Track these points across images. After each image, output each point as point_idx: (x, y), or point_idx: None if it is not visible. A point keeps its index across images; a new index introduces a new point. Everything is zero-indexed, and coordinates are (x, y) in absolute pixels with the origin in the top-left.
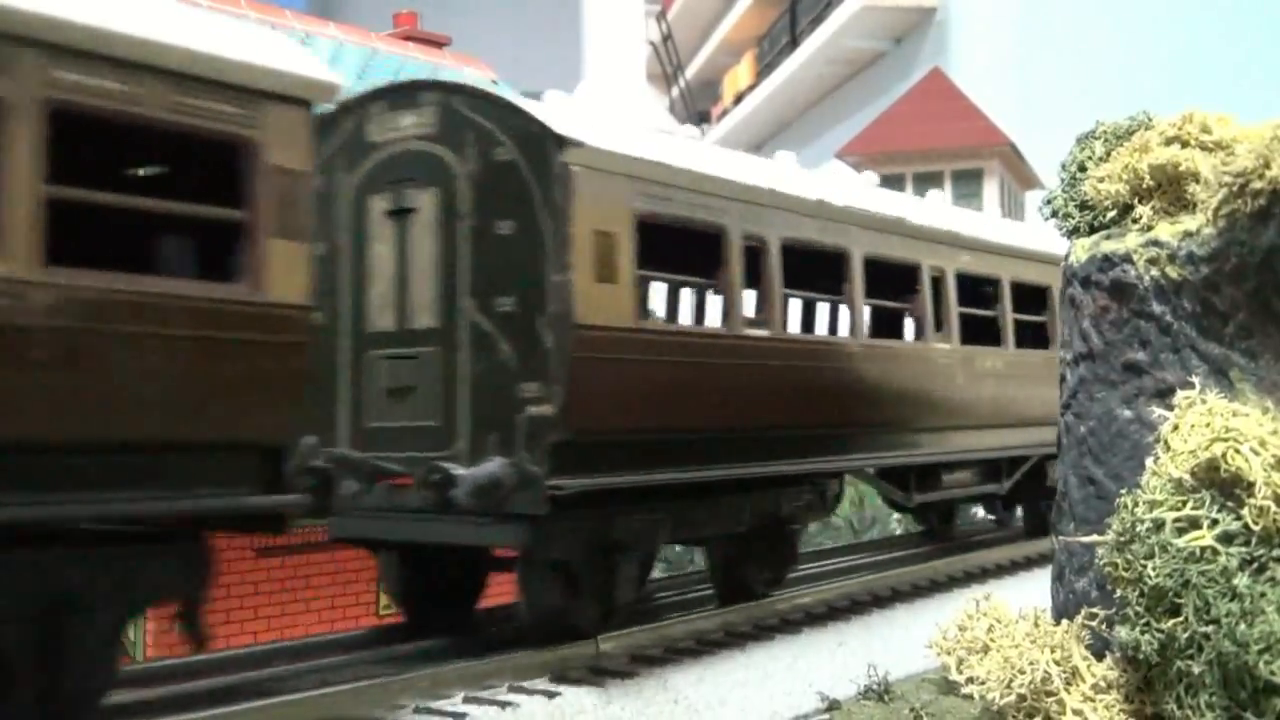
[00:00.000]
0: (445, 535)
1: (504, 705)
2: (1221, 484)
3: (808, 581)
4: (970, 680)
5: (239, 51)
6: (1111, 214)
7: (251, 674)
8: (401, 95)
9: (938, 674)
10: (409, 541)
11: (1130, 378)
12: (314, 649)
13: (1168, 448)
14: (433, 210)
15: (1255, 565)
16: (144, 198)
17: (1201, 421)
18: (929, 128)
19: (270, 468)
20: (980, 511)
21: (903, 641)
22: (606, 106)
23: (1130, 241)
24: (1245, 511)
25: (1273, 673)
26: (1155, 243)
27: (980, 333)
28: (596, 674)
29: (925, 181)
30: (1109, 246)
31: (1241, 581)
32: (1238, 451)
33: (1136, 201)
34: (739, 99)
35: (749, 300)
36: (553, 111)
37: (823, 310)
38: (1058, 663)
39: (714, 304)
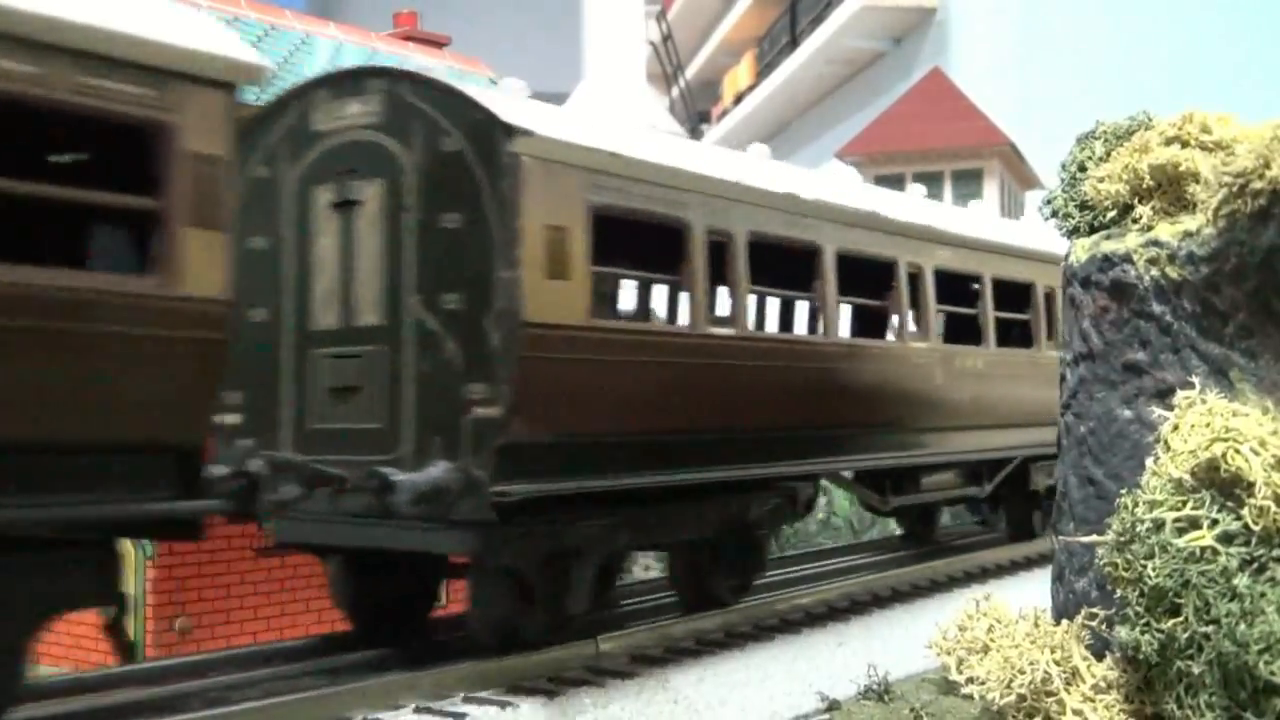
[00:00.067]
0: (389, 541)
1: (503, 705)
2: (1221, 484)
3: (808, 581)
4: (970, 680)
5: (152, 30)
6: (1111, 214)
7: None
8: (346, 82)
9: (938, 674)
10: (354, 547)
11: (1130, 378)
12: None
13: (1168, 448)
14: (378, 203)
15: (1255, 565)
16: (47, 185)
17: (1201, 421)
18: (929, 128)
19: (188, 471)
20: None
21: (903, 641)
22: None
23: (1130, 241)
24: (1245, 512)
25: (1273, 673)
26: (1155, 243)
27: (960, 331)
28: (596, 674)
29: (925, 182)
30: (1109, 246)
31: (1241, 582)
32: (1238, 451)
33: (1136, 201)
34: (739, 99)
35: (722, 297)
36: (502, 100)
37: (796, 308)
38: (1058, 663)
39: (685, 301)
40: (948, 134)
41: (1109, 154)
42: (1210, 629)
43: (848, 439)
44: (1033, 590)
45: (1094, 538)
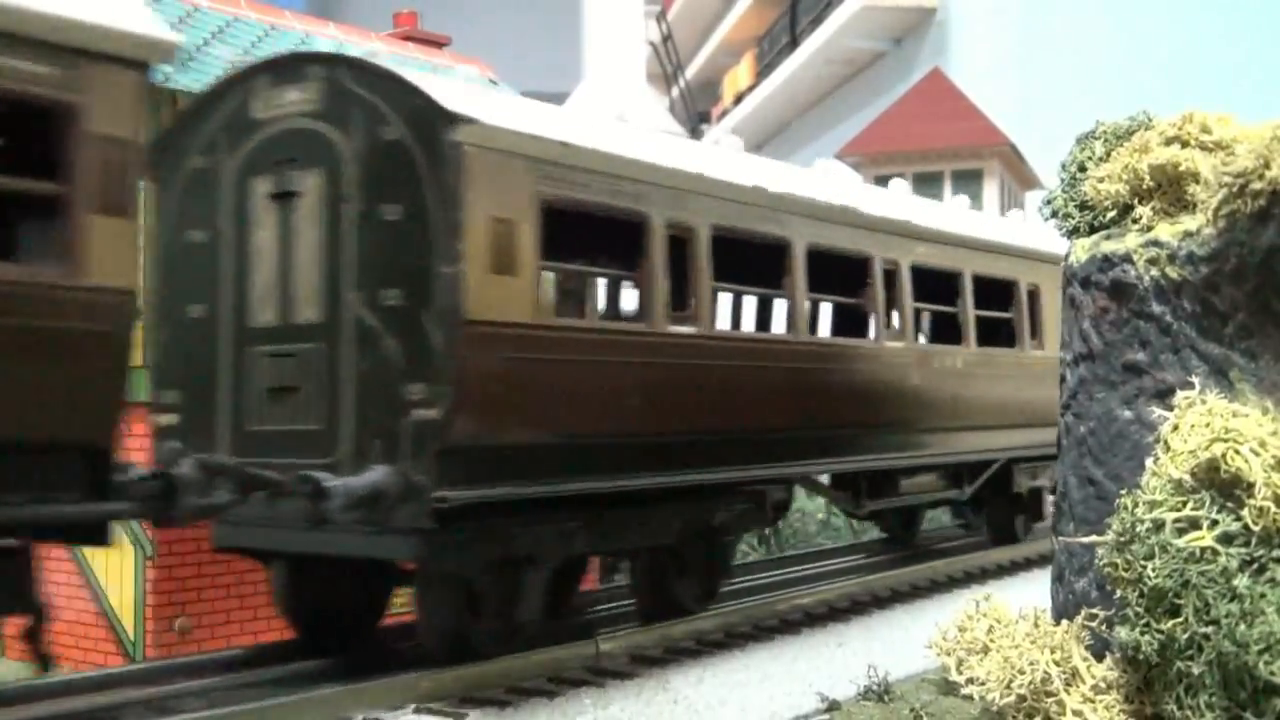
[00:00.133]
0: (329, 547)
1: (503, 706)
2: (1221, 484)
3: (808, 582)
4: (970, 681)
5: (57, 4)
6: (1111, 214)
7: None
8: (286, 68)
9: (937, 674)
10: (295, 552)
11: (1130, 378)
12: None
13: (1167, 448)
14: (317, 194)
15: (1255, 566)
16: None
17: (1201, 422)
18: (929, 128)
19: (96, 472)
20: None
21: (902, 642)
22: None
23: (1130, 242)
24: (1245, 512)
25: (1273, 673)
26: (1155, 243)
27: (940, 330)
28: (596, 674)
29: (925, 182)
30: (1109, 247)
31: (1241, 582)
32: (1238, 452)
33: (1136, 202)
34: (739, 99)
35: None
36: (446, 86)
37: (774, 306)
38: (1057, 663)
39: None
40: (948, 134)
41: (1109, 154)
42: (1210, 629)
43: (820, 441)
44: (1033, 590)
45: (1094, 538)
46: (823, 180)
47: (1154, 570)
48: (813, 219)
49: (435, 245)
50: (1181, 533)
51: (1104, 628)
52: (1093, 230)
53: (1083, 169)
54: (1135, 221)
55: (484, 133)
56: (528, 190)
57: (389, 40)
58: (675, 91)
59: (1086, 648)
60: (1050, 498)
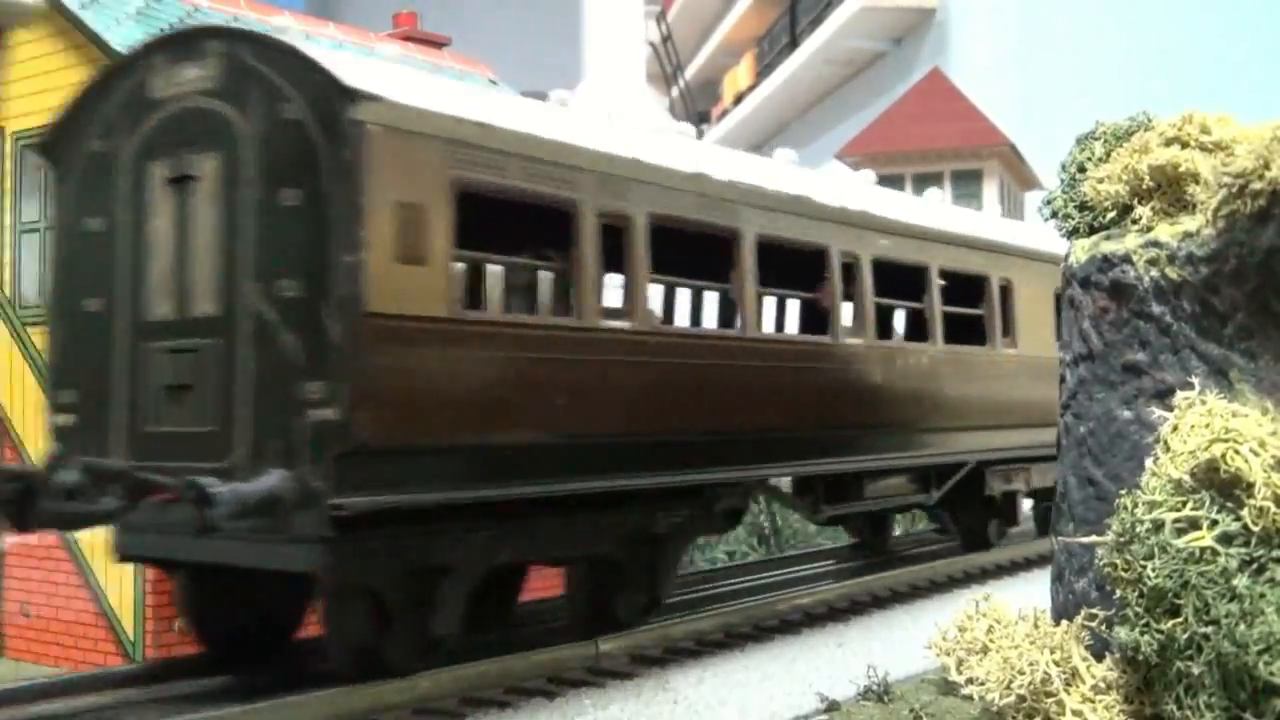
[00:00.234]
0: (228, 556)
1: (502, 706)
2: (1221, 485)
3: (807, 582)
4: (970, 681)
5: None
6: (1111, 215)
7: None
8: (184, 44)
9: (937, 675)
10: (194, 562)
11: (1130, 378)
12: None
13: (1167, 448)
14: (215, 178)
15: (1255, 566)
16: None
17: (1201, 422)
18: (928, 128)
19: None
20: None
21: (902, 642)
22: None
23: (1130, 242)
24: (1245, 512)
25: (1272, 673)
26: (1155, 243)
27: (907, 327)
28: (596, 674)
29: (925, 182)
30: (1109, 247)
31: (1241, 582)
32: (1237, 452)
33: (1136, 202)
34: (739, 99)
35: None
36: (351, 62)
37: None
38: (1057, 663)
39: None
40: (947, 134)
41: (1109, 155)
42: (1210, 629)
43: (773, 443)
44: (1033, 590)
45: (1093, 538)
46: (775, 168)
47: (1154, 570)
48: (763, 208)
49: (335, 232)
50: (1181, 533)
51: (1104, 628)
52: (1092, 231)
53: (1082, 169)
54: (1135, 222)
55: (390, 111)
56: (441, 174)
57: (389, 40)
58: (675, 91)
59: (1086, 648)
60: (1026, 501)
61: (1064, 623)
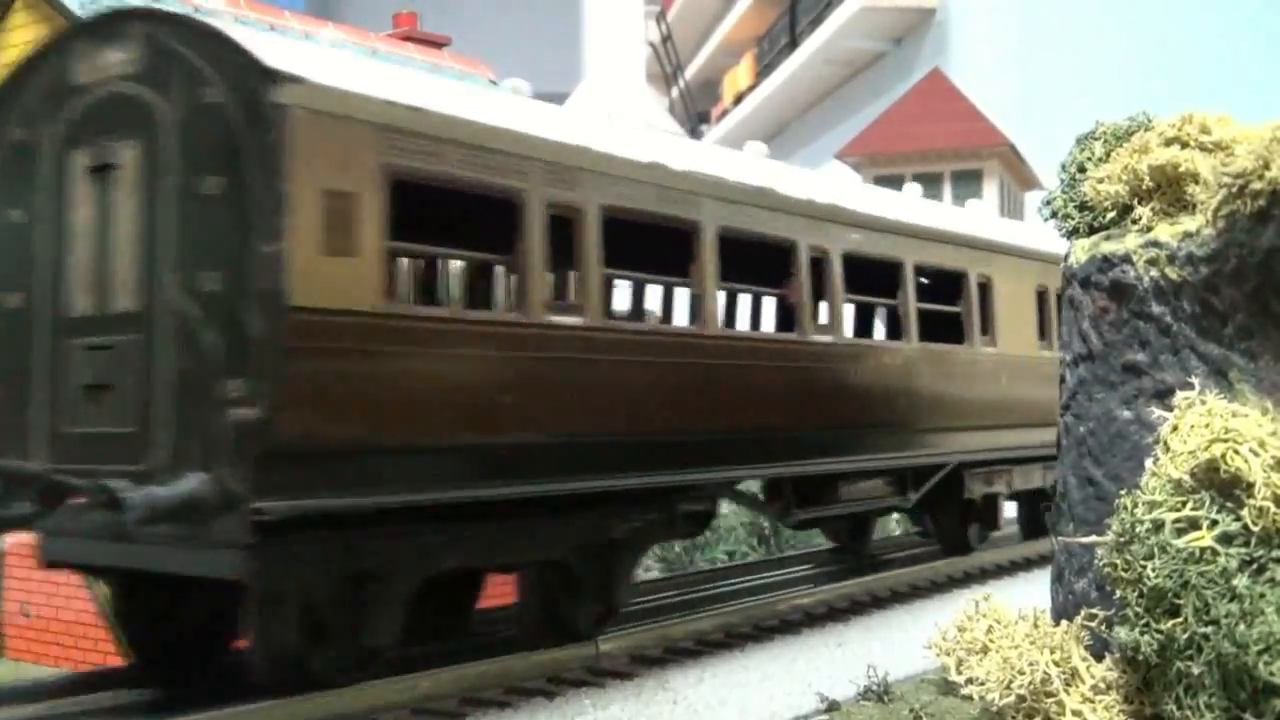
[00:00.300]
0: (148, 561)
1: (502, 707)
2: (1221, 485)
3: (807, 582)
4: (970, 681)
5: None
6: (1111, 215)
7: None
8: (106, 28)
9: (937, 675)
10: (118, 568)
11: (1130, 379)
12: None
13: (1167, 448)
14: (136, 167)
15: (1255, 566)
16: None
17: (1201, 422)
18: (928, 128)
19: None
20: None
21: (902, 642)
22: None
23: (1130, 242)
24: (1245, 512)
25: (1272, 674)
26: (1155, 243)
27: (880, 324)
28: (596, 675)
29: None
30: (1108, 247)
31: (1241, 582)
32: (1237, 452)
33: (1136, 202)
34: (739, 99)
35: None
36: (274, 42)
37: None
38: (1057, 663)
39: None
40: (947, 135)
41: (1108, 155)
42: (1210, 630)
43: (738, 445)
44: (1033, 590)
45: (1093, 538)
46: (738, 159)
47: (1153, 570)
48: (724, 200)
49: (256, 222)
50: (1181, 533)
51: (1104, 628)
52: (1092, 231)
53: (1082, 170)
54: (1135, 222)
55: (315, 94)
56: (373, 160)
57: (389, 41)
58: (675, 92)
59: (1086, 648)
60: (1007, 504)
61: (1064, 623)
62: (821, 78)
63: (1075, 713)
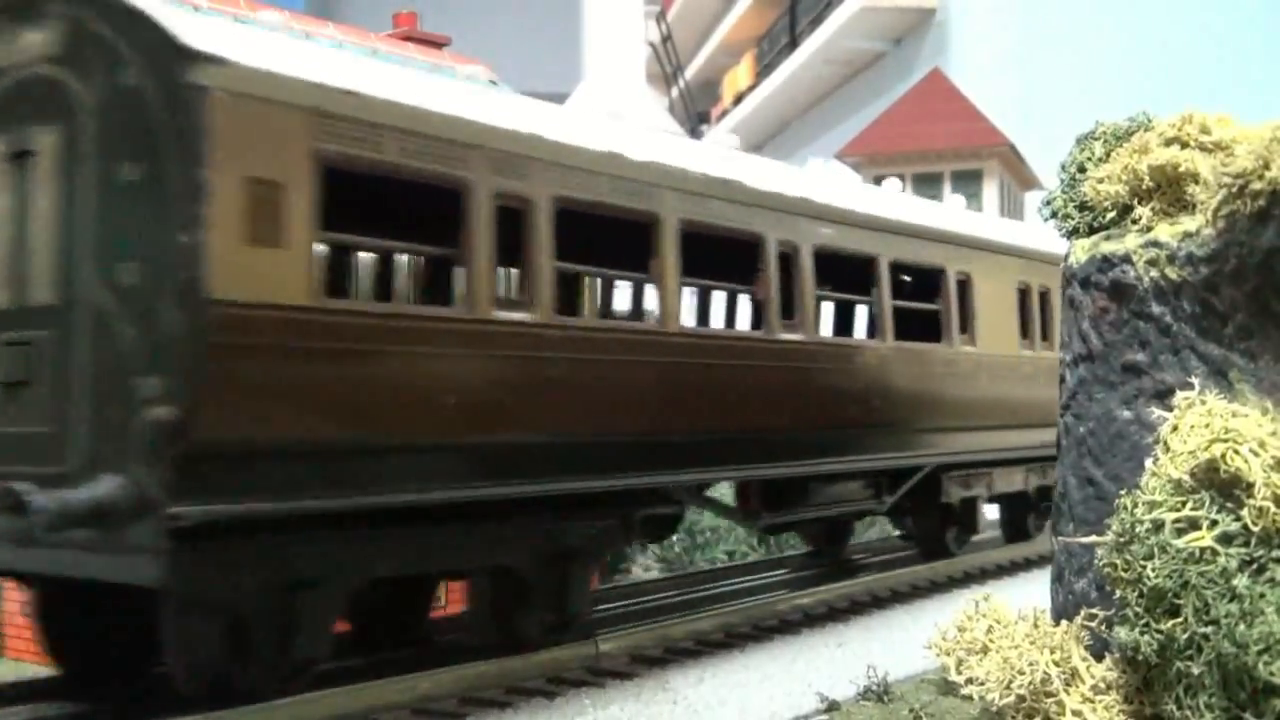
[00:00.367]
0: (66, 567)
1: (502, 707)
2: (1221, 485)
3: (807, 582)
4: (970, 681)
5: None
6: (1111, 215)
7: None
8: (25, 8)
9: (937, 675)
10: (37, 573)
11: (1129, 379)
12: None
13: (1167, 449)
14: (54, 153)
15: (1255, 566)
16: None
17: (1201, 422)
18: (928, 128)
19: None
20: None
21: (902, 642)
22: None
23: (1130, 242)
24: (1244, 512)
25: (1272, 674)
26: (1155, 244)
27: (853, 322)
28: (596, 675)
29: (925, 182)
30: (1108, 247)
31: (1241, 582)
32: (1237, 452)
33: (1136, 202)
34: (739, 99)
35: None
36: (195, 21)
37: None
38: (1057, 663)
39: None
40: (947, 135)
41: (1108, 155)
42: (1210, 630)
43: (703, 447)
44: (1032, 591)
45: (1093, 538)
46: (701, 149)
47: (1153, 571)
48: (687, 193)
49: (174, 211)
50: (1181, 533)
51: (1104, 628)
52: (1092, 231)
53: (1082, 170)
54: (1135, 222)
55: (239, 76)
56: (302, 147)
57: (389, 41)
58: (675, 92)
59: (1086, 648)
60: (987, 507)
61: (1064, 623)
62: (821, 78)
63: (1075, 713)
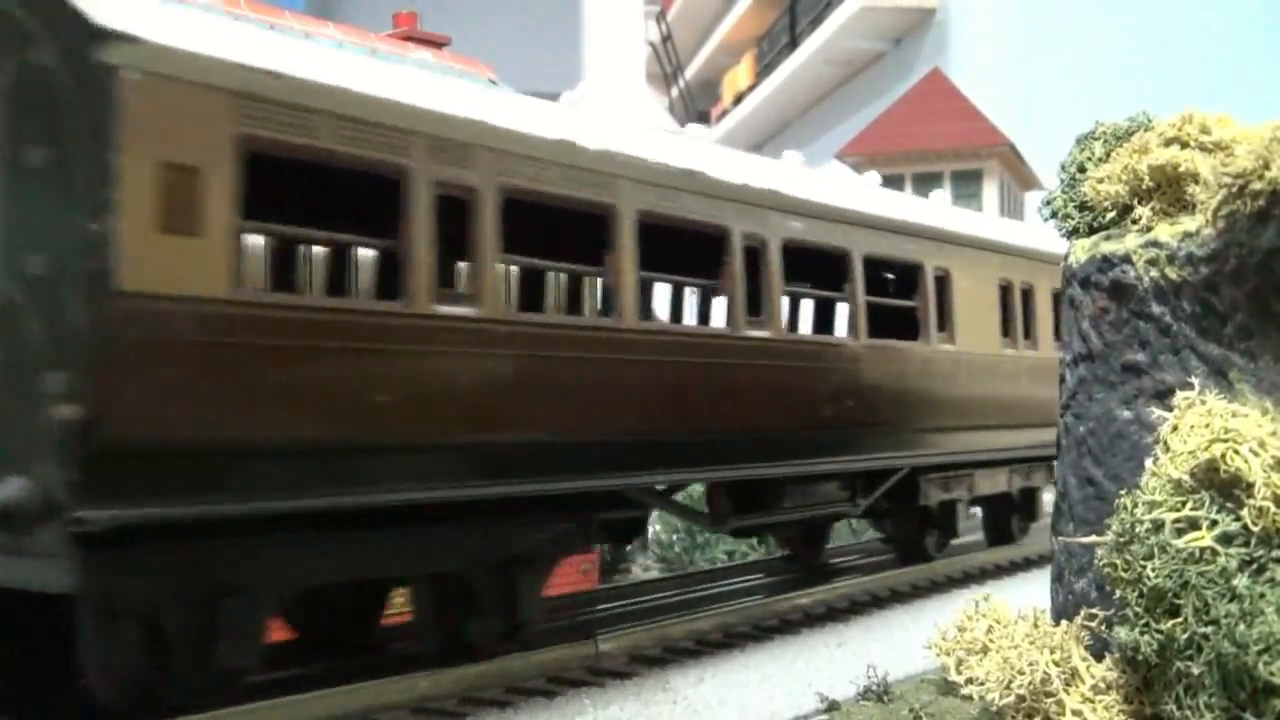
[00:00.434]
0: None
1: (503, 706)
2: (1221, 485)
3: (806, 582)
4: (969, 681)
5: None
6: (1111, 215)
7: None
8: None
9: (937, 675)
10: None
11: (1129, 378)
12: None
13: (1167, 448)
14: None
15: (1254, 566)
16: None
17: (1201, 422)
18: (928, 128)
19: None
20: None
21: (902, 642)
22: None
23: (1130, 242)
24: (1244, 512)
25: (1272, 674)
26: (1155, 243)
27: (825, 319)
28: (596, 674)
29: (925, 182)
30: (1108, 247)
31: (1241, 582)
32: (1237, 452)
33: (1136, 202)
34: (739, 99)
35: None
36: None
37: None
38: (1057, 663)
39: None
40: (947, 135)
41: (1108, 155)
42: (1209, 630)
43: (664, 448)
44: (1033, 590)
45: (1093, 538)
46: (663, 140)
47: (1153, 570)
48: (646, 184)
49: (83, 197)
50: (1181, 533)
51: (1103, 628)
52: (1092, 231)
53: (1082, 170)
54: (1135, 222)
55: (153, 55)
56: (224, 131)
57: (388, 40)
58: (675, 92)
59: (1086, 648)
60: (970, 510)
61: (1064, 623)
62: (821, 78)
63: (1075, 713)
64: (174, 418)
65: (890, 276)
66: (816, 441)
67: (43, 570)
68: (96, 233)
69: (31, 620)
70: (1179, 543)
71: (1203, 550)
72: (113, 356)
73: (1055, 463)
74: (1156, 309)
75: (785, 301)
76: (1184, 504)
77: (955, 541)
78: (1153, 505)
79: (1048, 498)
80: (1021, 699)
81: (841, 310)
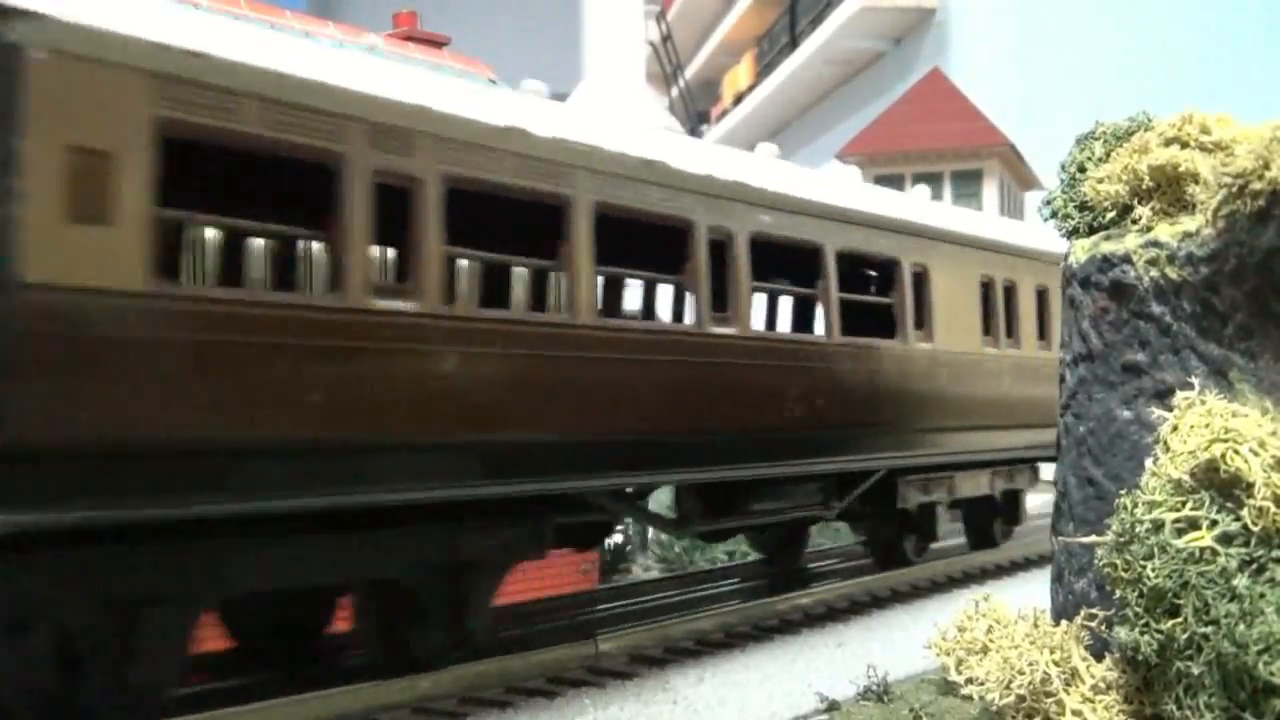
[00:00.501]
0: None
1: (503, 706)
2: (1221, 485)
3: (807, 582)
4: (969, 681)
5: None
6: (1111, 215)
7: None
8: None
9: (937, 675)
10: None
11: (1129, 378)
12: None
13: (1167, 448)
14: None
15: (1254, 566)
16: None
17: (1201, 422)
18: (928, 128)
19: None
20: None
21: (902, 642)
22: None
23: (1130, 242)
24: (1244, 512)
25: (1272, 674)
26: (1155, 243)
27: (796, 316)
28: (596, 674)
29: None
30: (1108, 247)
31: (1241, 582)
32: (1237, 452)
33: (1136, 202)
34: (739, 99)
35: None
36: None
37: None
38: (1057, 663)
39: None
40: (947, 134)
41: (1108, 155)
42: (1209, 630)
43: (622, 450)
44: (1033, 590)
45: (1093, 538)
46: (622, 129)
47: (1153, 570)
48: (603, 174)
49: None
50: (1181, 533)
51: (1103, 628)
52: (1092, 231)
53: (1082, 170)
54: (1135, 222)
55: (62, 33)
56: (139, 113)
57: (389, 40)
58: (675, 91)
59: (1086, 648)
60: (951, 513)
61: (1064, 623)
62: (821, 77)
63: (1075, 713)
64: (80, 418)
65: (869, 273)
66: (785, 443)
67: None
68: None
69: None
70: (1179, 543)
71: (1203, 550)
72: (13, 352)
73: (1055, 463)
74: (1156, 309)
75: (762, 299)
76: (1184, 504)
77: (934, 546)
78: (1153, 505)
79: (1031, 500)
80: (1021, 699)
81: (805, 305)
